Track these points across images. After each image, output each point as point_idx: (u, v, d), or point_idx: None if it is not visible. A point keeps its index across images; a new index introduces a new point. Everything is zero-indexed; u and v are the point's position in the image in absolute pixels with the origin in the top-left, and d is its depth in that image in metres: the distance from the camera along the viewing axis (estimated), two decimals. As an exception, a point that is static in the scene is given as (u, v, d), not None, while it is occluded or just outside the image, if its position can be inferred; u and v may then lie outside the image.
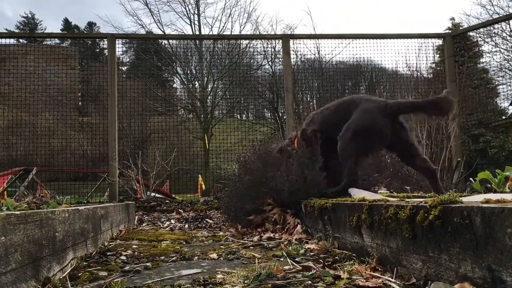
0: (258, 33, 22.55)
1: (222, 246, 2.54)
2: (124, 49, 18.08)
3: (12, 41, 8.09)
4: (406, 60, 7.92)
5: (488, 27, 9.19)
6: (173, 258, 2.12)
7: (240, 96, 15.68)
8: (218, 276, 1.62)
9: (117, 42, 7.06)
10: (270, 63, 17.92)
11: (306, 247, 2.20)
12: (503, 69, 16.03)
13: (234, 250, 2.36)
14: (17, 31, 41.61)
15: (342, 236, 2.09)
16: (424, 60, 8.04)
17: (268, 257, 2.06)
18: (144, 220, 4.75)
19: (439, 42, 7.87)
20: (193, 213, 5.35)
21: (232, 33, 22.44)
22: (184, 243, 2.80)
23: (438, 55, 10.39)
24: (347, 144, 2.80)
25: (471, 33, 9.88)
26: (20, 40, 10.53)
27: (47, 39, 11.42)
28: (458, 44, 9.68)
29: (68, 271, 1.73)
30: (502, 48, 15.41)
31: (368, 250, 1.75)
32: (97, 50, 29.23)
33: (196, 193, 10.89)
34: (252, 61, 15.98)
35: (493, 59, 17.28)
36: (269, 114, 19.91)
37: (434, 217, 1.24)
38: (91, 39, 27.88)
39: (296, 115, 7.08)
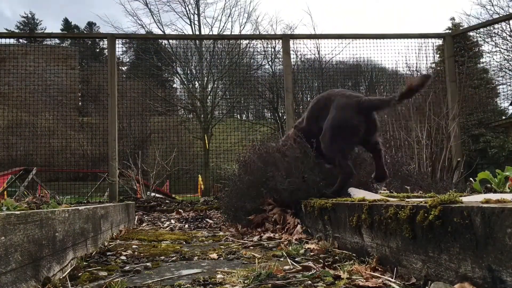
0: (258, 33, 22.58)
1: (222, 246, 2.54)
2: (124, 49, 18.10)
3: (12, 41, 8.10)
4: (406, 60, 7.92)
5: (488, 27, 9.19)
6: (173, 258, 2.12)
7: (240, 96, 15.68)
8: (218, 276, 1.62)
9: (117, 42, 7.07)
10: (270, 63, 17.93)
11: (306, 247, 2.20)
12: (503, 69, 16.03)
13: (234, 250, 2.36)
14: (17, 31, 41.63)
15: (342, 236, 2.09)
16: (424, 60, 8.03)
17: (268, 257, 2.06)
18: (144, 220, 4.75)
19: (439, 42, 7.88)
20: (193, 213, 5.35)
21: (232, 33, 22.45)
22: (184, 243, 2.80)
23: (438, 55, 10.40)
24: (329, 145, 2.85)
25: (471, 33, 9.88)
26: (20, 40, 10.55)
27: (47, 39, 11.41)
28: (458, 44, 9.68)
29: (68, 271, 1.73)
30: (502, 48, 15.44)
31: (368, 250, 1.75)
32: (97, 50, 29.22)
33: (196, 193, 10.89)
34: (252, 61, 15.99)
35: (493, 59, 17.29)
36: (269, 114, 19.91)
37: (434, 217, 1.24)
38: (91, 39, 27.85)
39: (296, 115, 7.07)
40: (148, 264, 1.94)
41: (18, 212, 1.33)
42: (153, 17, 27.54)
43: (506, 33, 16.11)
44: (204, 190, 10.86)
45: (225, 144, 8.98)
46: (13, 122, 8.20)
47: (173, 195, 8.62)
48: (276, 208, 3.16)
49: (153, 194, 7.17)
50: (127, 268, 1.86)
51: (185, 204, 6.38)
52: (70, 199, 7.52)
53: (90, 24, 48.28)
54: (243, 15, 25.74)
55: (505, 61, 15.82)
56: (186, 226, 4.12)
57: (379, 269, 1.56)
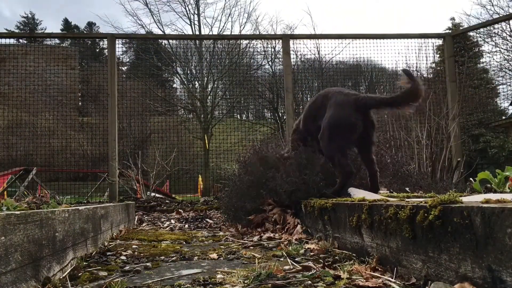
0: (258, 33, 22.57)
1: (222, 246, 2.54)
2: (124, 49, 18.12)
3: (12, 41, 8.10)
4: (406, 60, 7.91)
5: (488, 27, 9.19)
6: (173, 258, 2.12)
7: (240, 96, 15.69)
8: (218, 276, 1.62)
9: (117, 42, 7.07)
10: (270, 63, 17.95)
11: (306, 247, 2.20)
12: (503, 69, 16.03)
13: (234, 250, 2.36)
14: (17, 31, 41.62)
15: (342, 236, 2.09)
16: (424, 60, 8.03)
17: (268, 257, 2.06)
18: (144, 220, 4.75)
19: (439, 42, 7.87)
20: (193, 213, 5.35)
21: (232, 33, 22.44)
22: (184, 243, 2.80)
23: (438, 55, 10.40)
24: (327, 144, 2.84)
25: (471, 33, 9.87)
26: (20, 40, 10.54)
27: (47, 39, 11.38)
28: (458, 44, 9.67)
29: (68, 271, 1.73)
30: (502, 48, 15.43)
31: (368, 250, 1.76)
32: (97, 50, 29.23)
33: (196, 193, 10.89)
34: (252, 61, 16.01)
35: (493, 59, 17.27)
36: (269, 114, 19.93)
37: (434, 217, 1.24)
38: (91, 39, 27.87)
39: (296, 115, 7.07)
40: (148, 264, 1.94)
41: (18, 212, 1.33)
42: (153, 17, 27.58)
43: (506, 33, 16.11)
44: (204, 190, 10.86)
45: (225, 144, 8.98)
46: (13, 122, 8.21)
47: (173, 195, 8.62)
48: (276, 208, 3.15)
49: (153, 194, 7.17)
50: (127, 268, 1.86)
51: (185, 204, 6.38)
52: (70, 199, 7.52)
53: (90, 24, 48.32)
54: (243, 15, 25.81)
55: (505, 61, 15.83)
56: (186, 226, 4.12)
57: (379, 269, 1.56)
